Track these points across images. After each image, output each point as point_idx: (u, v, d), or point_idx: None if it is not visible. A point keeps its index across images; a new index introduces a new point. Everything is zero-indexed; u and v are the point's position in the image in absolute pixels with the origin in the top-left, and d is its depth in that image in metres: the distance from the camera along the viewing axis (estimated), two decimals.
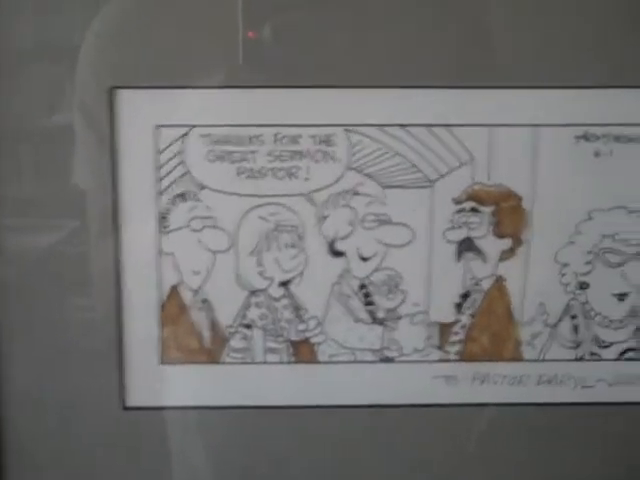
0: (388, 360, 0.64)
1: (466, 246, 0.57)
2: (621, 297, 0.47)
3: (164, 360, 0.67)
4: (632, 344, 0.48)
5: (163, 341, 0.67)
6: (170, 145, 0.64)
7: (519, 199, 0.53)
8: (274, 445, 0.64)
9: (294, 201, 0.63)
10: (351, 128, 0.58)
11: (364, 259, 0.63)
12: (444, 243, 0.59)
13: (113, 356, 0.65)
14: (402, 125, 0.57)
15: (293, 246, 0.65)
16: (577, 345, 0.49)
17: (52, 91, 0.56)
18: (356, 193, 0.60)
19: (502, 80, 0.53)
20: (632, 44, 0.51)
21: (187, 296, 0.66)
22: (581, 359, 0.50)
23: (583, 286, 0.47)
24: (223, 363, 0.67)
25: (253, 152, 0.62)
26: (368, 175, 0.59)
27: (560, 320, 0.49)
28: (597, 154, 0.46)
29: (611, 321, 0.47)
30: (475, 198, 0.54)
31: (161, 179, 0.65)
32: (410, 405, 0.62)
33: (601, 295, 0.49)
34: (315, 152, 0.60)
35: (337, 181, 0.60)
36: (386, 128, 0.57)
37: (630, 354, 0.48)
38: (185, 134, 0.63)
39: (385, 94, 0.56)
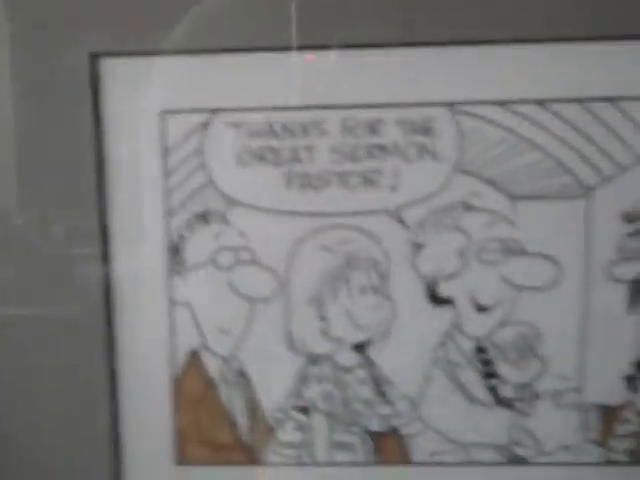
0: (520, 461, 0.51)
1: None
2: None
3: (181, 459, 0.55)
4: None
5: (179, 432, 0.55)
6: (183, 140, 0.50)
7: None
8: None
9: (374, 221, 0.50)
10: (461, 108, 0.49)
11: (482, 309, 0.51)
12: (609, 283, 0.50)
13: (104, 453, 0.54)
14: (542, 101, 0.48)
15: (373, 290, 0.51)
16: None
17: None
18: (469, 208, 0.49)
19: None
20: None
21: (214, 366, 0.54)
22: None
23: None
24: (268, 464, 0.54)
25: (309, 148, 0.49)
26: (488, 181, 0.50)
27: None
28: None
29: None
30: None
31: (170, 192, 0.51)
32: None
33: None
34: (406, 146, 0.49)
35: (440, 190, 0.50)
36: (517, 106, 0.48)
37: None
38: (205, 123, 0.50)
39: (513, 54, 0.47)
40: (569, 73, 0.52)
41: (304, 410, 0.55)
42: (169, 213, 0.54)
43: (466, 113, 0.52)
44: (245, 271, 0.52)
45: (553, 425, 0.53)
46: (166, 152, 0.52)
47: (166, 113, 0.52)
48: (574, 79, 0.52)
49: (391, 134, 0.52)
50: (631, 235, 0.54)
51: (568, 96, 0.52)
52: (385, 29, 0.51)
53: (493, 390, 0.56)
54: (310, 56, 0.50)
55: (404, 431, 0.54)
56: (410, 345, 0.55)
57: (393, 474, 0.58)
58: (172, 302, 0.54)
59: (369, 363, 0.57)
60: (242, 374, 0.56)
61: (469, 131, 0.51)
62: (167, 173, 0.53)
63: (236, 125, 0.52)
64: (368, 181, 0.54)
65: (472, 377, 0.56)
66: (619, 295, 0.55)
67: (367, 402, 0.54)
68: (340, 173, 0.53)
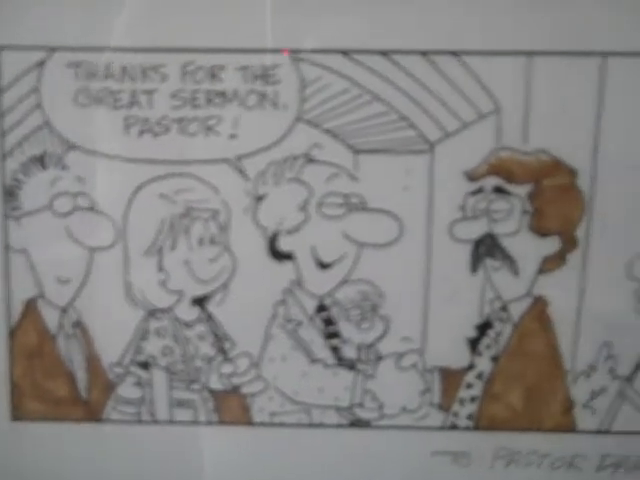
0: (362, 424, 0.53)
1: (487, 248, 0.49)
2: None
3: (17, 415, 0.55)
4: None
5: (15, 386, 0.55)
6: (17, 79, 0.51)
7: (572, 174, 0.45)
8: None
9: (213, 171, 0.51)
10: (303, 56, 0.51)
11: (324, 265, 0.52)
12: (451, 243, 0.51)
13: None
14: (385, 52, 0.49)
15: (213, 242, 0.52)
16: None
17: None
18: (310, 160, 0.52)
19: None
20: None
21: (51, 317, 0.54)
22: None
23: None
24: (106, 421, 0.55)
25: (149, 92, 0.50)
26: (330, 132, 0.52)
27: (637, 370, 0.39)
28: None
29: None
30: (502, 172, 0.47)
31: (4, 134, 0.52)
32: None
33: None
34: (246, 93, 0.51)
35: (281, 141, 0.52)
36: (360, 56, 0.49)
37: None
38: (42, 62, 0.51)
39: (354, 3, 0.49)
40: (412, 24, 0.55)
41: (144, 365, 0.56)
42: (4, 155, 0.57)
43: (308, 61, 0.55)
44: (83, 218, 0.55)
45: (396, 388, 0.53)
46: (0, 91, 0.55)
47: (1, 49, 0.55)
48: (417, 31, 0.55)
49: (231, 81, 0.55)
50: (473, 193, 0.57)
51: (411, 48, 0.55)
52: None
53: (335, 350, 0.57)
54: None
55: (245, 390, 0.56)
56: (250, 301, 0.56)
57: (234, 434, 0.59)
58: (7, 248, 0.55)
59: (209, 318, 0.59)
60: (80, 326, 0.59)
61: (311, 80, 0.55)
62: (2, 113, 0.56)
63: (74, 65, 0.55)
64: (208, 128, 0.56)
65: (313, 336, 0.58)
66: (461, 255, 0.58)
67: (208, 359, 0.55)
68: (179, 119, 0.56)
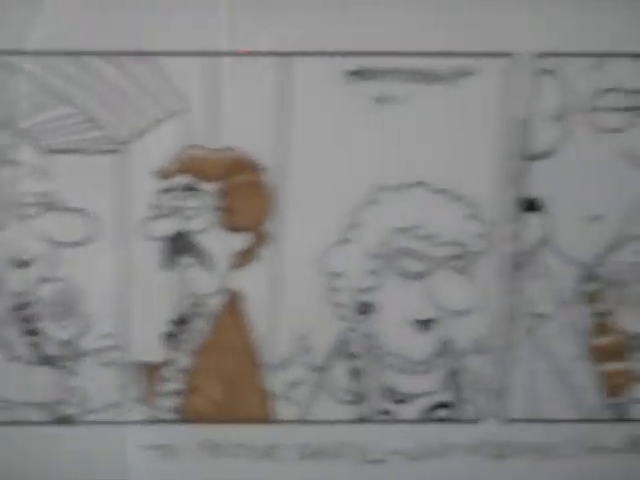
0: (67, 421, 0.53)
1: (180, 245, 0.50)
2: (425, 325, 0.36)
3: None
4: (443, 397, 0.36)
5: None
6: None
7: (260, 171, 0.45)
8: None
9: None
10: None
11: (22, 264, 0.53)
12: (145, 240, 0.52)
13: None
14: (71, 53, 0.49)
15: None
16: (359, 399, 0.39)
17: None
18: (4, 161, 0.50)
19: None
20: None
21: None
22: (366, 420, 0.40)
23: (366, 309, 0.37)
24: None
25: None
26: (23, 133, 0.51)
27: (331, 361, 0.40)
28: (380, 99, 0.37)
29: (411, 362, 0.37)
30: (192, 170, 0.48)
31: None
32: None
33: (394, 322, 0.39)
34: None
35: None
36: (47, 58, 0.49)
37: (440, 412, 0.37)
38: None
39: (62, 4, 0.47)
40: (94, 25, 0.56)
41: None
42: None
43: None
44: None
45: (98, 383, 0.55)
46: None
47: None
48: (100, 31, 0.55)
49: None
50: (164, 191, 0.58)
51: (94, 49, 0.55)
52: None
53: (35, 348, 0.58)
54: None
55: None
56: None
57: None
58: None
59: None
60: None
61: (2, 82, 0.55)
62: None
63: None
64: None
65: (13, 334, 0.58)
66: (155, 252, 0.58)
67: None
68: None
